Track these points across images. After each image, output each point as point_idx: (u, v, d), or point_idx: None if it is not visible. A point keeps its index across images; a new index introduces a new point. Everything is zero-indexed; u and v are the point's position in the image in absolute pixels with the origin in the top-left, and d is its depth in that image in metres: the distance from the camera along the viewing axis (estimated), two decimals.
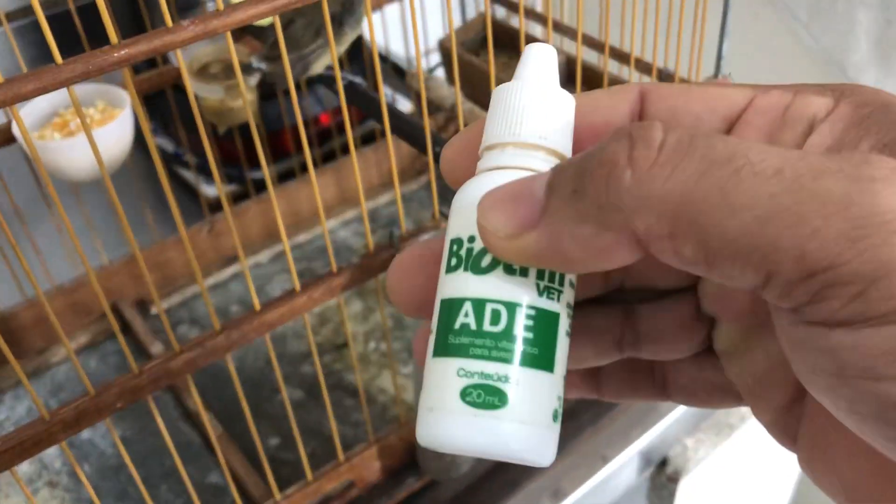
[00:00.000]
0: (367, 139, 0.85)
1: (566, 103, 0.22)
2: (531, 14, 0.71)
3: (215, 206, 0.78)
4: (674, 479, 0.63)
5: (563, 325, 0.21)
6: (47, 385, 0.68)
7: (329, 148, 0.82)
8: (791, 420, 0.22)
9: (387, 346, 0.68)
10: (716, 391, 0.24)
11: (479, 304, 0.20)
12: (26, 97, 0.33)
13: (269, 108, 0.73)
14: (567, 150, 0.22)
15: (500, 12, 0.76)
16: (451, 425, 0.20)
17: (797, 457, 0.23)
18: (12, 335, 0.68)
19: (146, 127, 0.37)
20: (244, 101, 0.39)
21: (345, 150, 0.81)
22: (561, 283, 0.21)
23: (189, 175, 0.80)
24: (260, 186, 0.79)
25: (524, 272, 0.20)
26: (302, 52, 0.58)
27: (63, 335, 0.37)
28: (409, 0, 0.42)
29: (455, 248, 0.21)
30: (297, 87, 0.73)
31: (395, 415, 0.63)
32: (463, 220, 0.21)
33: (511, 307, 0.20)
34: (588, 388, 0.25)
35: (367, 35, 0.83)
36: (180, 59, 0.36)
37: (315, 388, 0.66)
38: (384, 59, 0.87)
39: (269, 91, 0.69)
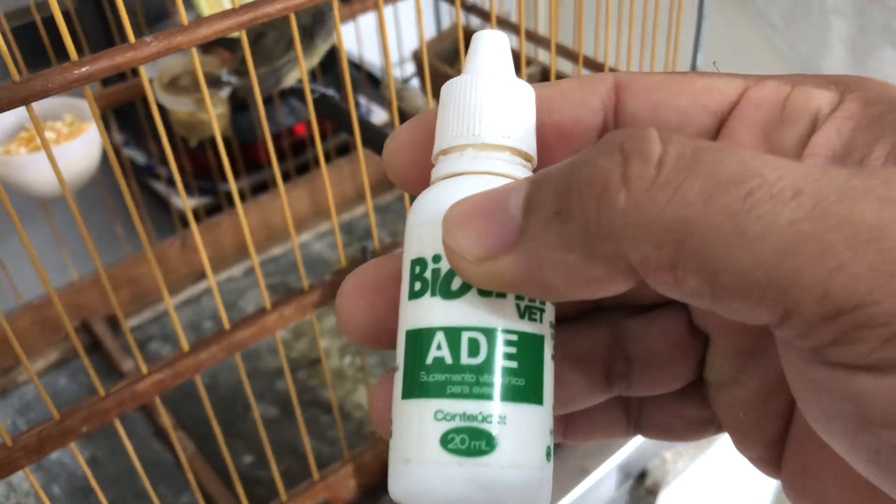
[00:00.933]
0: (342, 150, 0.84)
1: (527, 95, 0.20)
2: (505, 24, 0.70)
3: (187, 218, 0.77)
4: (653, 492, 0.63)
5: (548, 348, 0.19)
6: (15, 404, 0.67)
7: (304, 159, 0.81)
8: (778, 449, 0.21)
9: (361, 361, 0.67)
10: (695, 425, 0.22)
11: (453, 334, 0.18)
12: None
13: (242, 120, 0.72)
14: (532, 149, 0.19)
15: (476, 22, 0.75)
16: (432, 478, 0.17)
17: (782, 484, 0.21)
18: None
19: (108, 143, 0.36)
20: (210, 115, 0.38)
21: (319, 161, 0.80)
22: (542, 301, 0.19)
23: (161, 187, 0.79)
24: (232, 200, 0.78)
25: (501, 293, 0.18)
26: (274, 65, 0.57)
27: (24, 358, 0.36)
28: (380, 10, 0.42)
29: (418, 270, 0.18)
30: (270, 98, 0.72)
31: (371, 431, 0.62)
32: (424, 237, 0.19)
33: (490, 334, 0.18)
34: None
35: (344, 45, 0.82)
36: (143, 76, 0.35)
37: (290, 405, 0.65)
38: (359, 68, 0.86)
39: (240, 103, 0.68)
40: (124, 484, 0.60)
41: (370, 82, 0.87)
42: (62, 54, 0.33)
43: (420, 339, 0.18)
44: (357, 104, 0.82)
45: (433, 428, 0.17)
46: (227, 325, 0.43)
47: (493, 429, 0.17)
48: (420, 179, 0.20)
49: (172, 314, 0.41)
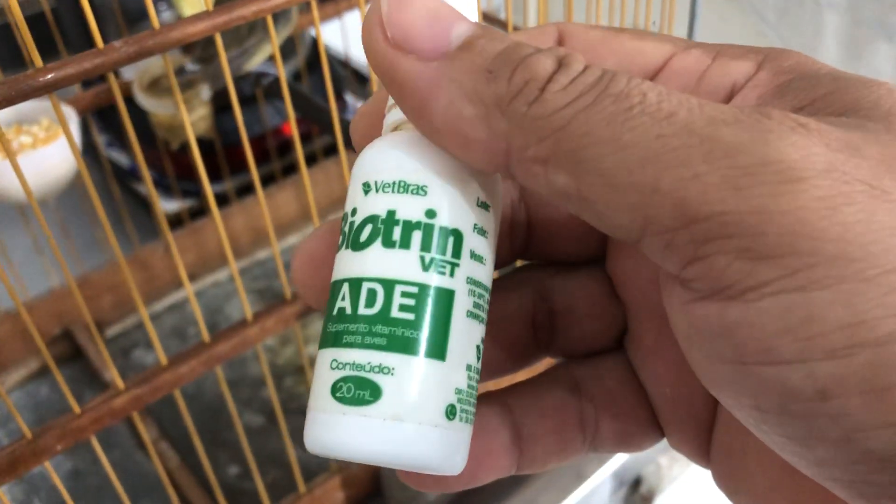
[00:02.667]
0: (329, 150, 0.82)
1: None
2: (494, 20, 0.69)
3: (173, 221, 0.75)
4: (648, 499, 0.61)
5: (462, 304, 0.18)
6: None
7: (290, 160, 0.80)
8: (705, 433, 0.21)
9: None
10: (647, 428, 0.22)
11: (354, 285, 0.18)
12: None
13: (225, 121, 0.71)
14: None
15: None
16: (322, 426, 0.17)
17: (712, 474, 0.21)
18: None
19: (77, 151, 0.34)
20: (185, 121, 0.37)
21: (308, 160, 0.78)
22: (457, 255, 0.18)
23: (145, 190, 0.78)
24: (220, 201, 0.77)
25: (405, 243, 0.18)
26: (231, 54, 0.55)
27: None
28: (362, 7, 0.40)
29: (343, 225, 0.19)
30: (254, 98, 0.71)
31: None
32: (350, 192, 0.19)
33: (388, 284, 0.18)
34: (507, 459, 0.21)
35: (330, 43, 0.81)
36: (113, 83, 0.34)
37: (276, 414, 0.64)
38: (346, 66, 0.85)
39: (224, 103, 0.66)
40: (107, 496, 0.59)
41: (357, 80, 0.86)
42: (43, 55, 0.31)
43: (333, 291, 0.18)
44: (344, 102, 0.81)
45: (328, 376, 0.18)
46: (206, 338, 0.42)
47: (380, 379, 0.17)
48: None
49: (149, 327, 0.40)
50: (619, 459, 0.60)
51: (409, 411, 0.17)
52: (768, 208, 0.14)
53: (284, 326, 0.43)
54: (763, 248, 0.14)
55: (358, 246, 0.18)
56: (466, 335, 0.18)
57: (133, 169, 0.79)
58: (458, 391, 0.18)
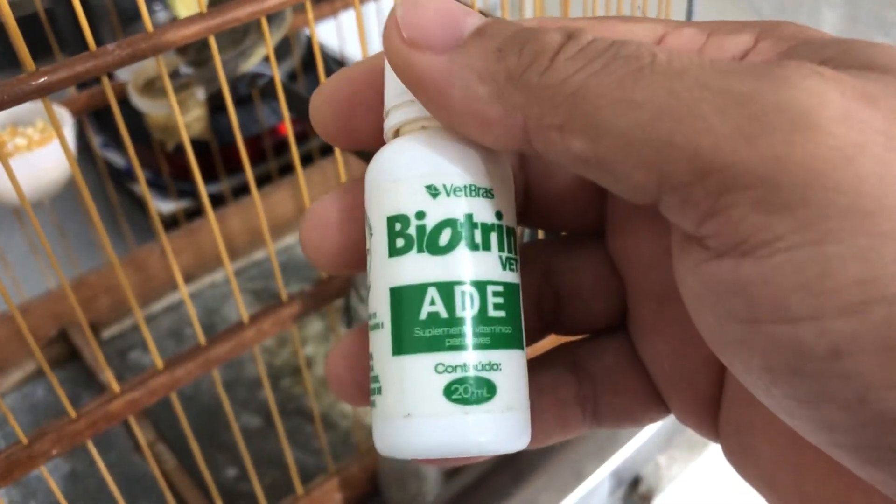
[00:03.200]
0: (325, 150, 0.82)
1: None
2: None
3: (169, 222, 0.75)
4: (646, 499, 0.61)
5: (522, 294, 0.20)
6: None
7: (287, 160, 0.80)
8: (713, 409, 0.21)
9: None
10: (648, 403, 0.22)
11: (447, 289, 0.18)
12: None
13: (221, 121, 0.70)
14: None
15: None
16: (437, 429, 0.18)
17: (721, 448, 0.21)
18: None
19: (69, 154, 0.34)
20: (179, 122, 0.36)
21: (304, 160, 0.78)
22: (516, 252, 0.20)
23: (141, 191, 0.78)
24: (216, 201, 0.76)
25: (486, 245, 0.19)
26: (227, 56, 0.55)
27: None
28: (357, 7, 0.40)
29: (399, 227, 0.19)
30: (250, 99, 0.71)
31: (358, 441, 0.60)
32: (402, 193, 0.19)
33: (481, 287, 0.18)
34: None
35: (326, 42, 0.80)
36: (106, 85, 0.34)
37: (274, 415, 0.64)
38: (341, 64, 0.84)
39: (219, 104, 0.66)
40: (106, 499, 0.59)
41: None
42: (38, 56, 0.31)
43: (410, 296, 0.19)
44: None
45: (436, 381, 0.18)
46: (202, 341, 0.42)
47: (493, 376, 0.18)
48: (347, 132, 0.21)
49: (144, 331, 0.40)
50: (619, 458, 0.60)
51: (517, 400, 0.19)
52: (782, 157, 0.14)
53: (281, 328, 0.43)
54: (777, 200, 0.14)
55: (438, 250, 0.18)
56: (524, 320, 0.20)
57: (130, 170, 0.79)
58: (526, 371, 0.20)
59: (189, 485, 0.56)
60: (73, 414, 0.39)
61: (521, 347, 0.19)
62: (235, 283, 0.41)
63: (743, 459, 0.20)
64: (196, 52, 0.55)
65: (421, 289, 0.18)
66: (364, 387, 0.21)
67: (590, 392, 0.22)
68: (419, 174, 0.19)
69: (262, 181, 0.77)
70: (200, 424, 0.62)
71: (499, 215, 0.19)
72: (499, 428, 0.18)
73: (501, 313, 0.19)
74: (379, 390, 0.19)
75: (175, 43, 0.34)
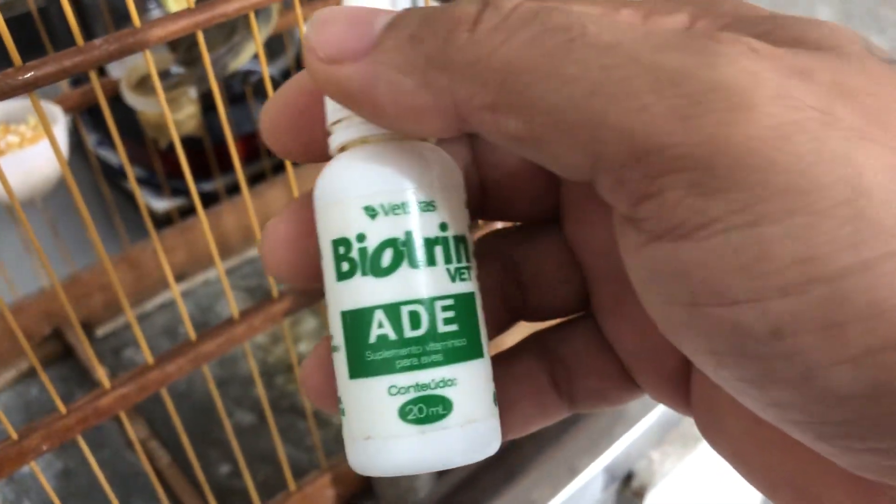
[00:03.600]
0: None
1: None
2: None
3: (163, 220, 0.75)
4: (639, 494, 0.61)
5: (479, 300, 0.19)
6: None
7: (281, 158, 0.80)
8: (682, 383, 0.21)
9: None
10: (620, 383, 0.22)
11: (392, 310, 0.18)
12: None
13: (215, 119, 0.70)
14: None
15: None
16: (396, 450, 0.18)
17: (694, 422, 0.21)
18: None
19: (59, 151, 0.34)
20: (168, 119, 0.36)
21: None
22: (468, 259, 0.19)
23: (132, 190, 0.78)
24: (210, 199, 0.76)
25: (431, 261, 0.18)
26: (216, 53, 0.55)
27: None
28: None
29: (342, 250, 0.19)
30: (243, 97, 0.71)
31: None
32: (339, 217, 0.19)
33: (429, 304, 0.18)
34: None
35: None
36: (94, 80, 0.34)
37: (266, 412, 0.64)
38: None
39: (213, 102, 0.66)
40: (98, 496, 0.59)
41: None
42: (32, 54, 0.31)
43: (359, 319, 0.18)
44: None
45: (389, 403, 0.18)
46: (192, 336, 0.42)
47: (447, 392, 0.18)
48: (302, 146, 0.20)
49: (135, 327, 0.40)
50: (612, 454, 0.60)
51: (478, 411, 0.19)
52: (717, 139, 0.14)
53: (272, 324, 0.43)
54: (712, 182, 0.14)
55: (381, 272, 0.18)
56: (484, 326, 0.19)
57: (123, 167, 0.79)
58: (491, 379, 0.20)
59: (182, 482, 0.57)
60: (63, 409, 0.39)
61: (480, 355, 0.19)
62: (226, 280, 0.41)
63: (713, 433, 0.20)
64: (186, 51, 0.56)
65: (368, 312, 0.18)
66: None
67: (563, 377, 0.22)
68: (357, 195, 0.18)
69: (257, 179, 0.77)
70: (194, 421, 0.62)
71: (443, 227, 0.19)
72: (458, 442, 0.18)
73: (453, 327, 0.18)
74: (343, 411, 0.19)
75: (163, 38, 0.34)
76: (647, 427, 0.62)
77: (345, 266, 0.19)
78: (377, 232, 0.18)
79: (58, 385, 0.67)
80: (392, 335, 0.18)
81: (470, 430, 0.18)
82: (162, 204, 0.75)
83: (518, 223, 0.24)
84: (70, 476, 0.60)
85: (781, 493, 0.19)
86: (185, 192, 0.76)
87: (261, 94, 0.66)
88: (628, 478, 0.62)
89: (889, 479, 0.15)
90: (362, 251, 0.18)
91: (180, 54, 0.56)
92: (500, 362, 0.22)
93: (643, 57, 0.14)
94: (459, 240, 0.19)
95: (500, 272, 0.22)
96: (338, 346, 0.19)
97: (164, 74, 0.56)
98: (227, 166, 0.75)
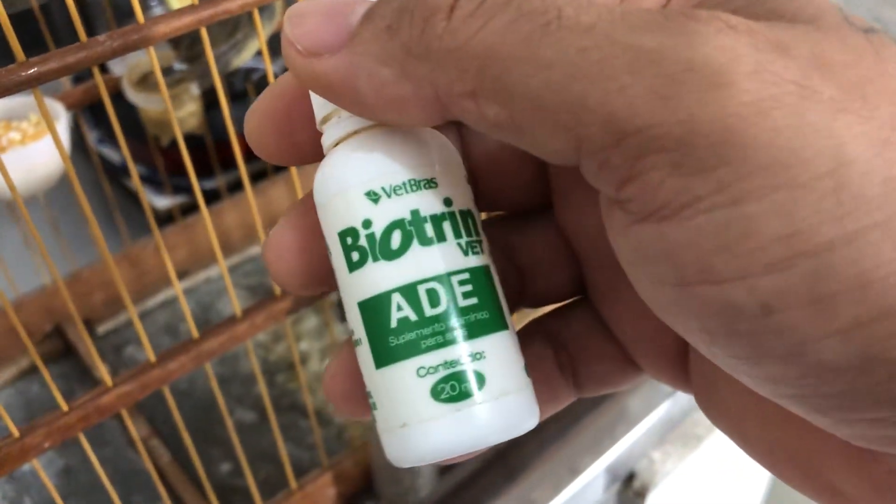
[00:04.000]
0: None
1: None
2: None
3: (165, 218, 0.75)
4: (641, 494, 0.61)
5: (495, 273, 0.19)
6: None
7: None
8: (680, 362, 0.21)
9: None
10: (623, 365, 0.22)
11: (409, 291, 0.18)
12: None
13: (217, 116, 0.70)
14: None
15: None
16: (435, 433, 0.18)
17: (695, 400, 0.21)
18: None
19: (61, 146, 0.34)
20: (171, 117, 0.36)
21: None
22: (478, 233, 0.19)
23: (134, 187, 0.77)
24: (212, 196, 0.76)
25: (441, 237, 0.18)
26: (219, 49, 0.55)
27: None
28: None
29: (350, 240, 0.18)
30: (245, 94, 0.71)
31: (352, 437, 0.60)
32: (343, 208, 0.19)
33: (444, 280, 0.18)
34: None
35: None
36: (98, 77, 0.34)
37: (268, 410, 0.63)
38: None
39: (214, 99, 0.66)
40: (99, 494, 0.59)
41: None
42: (33, 52, 0.31)
43: (377, 306, 0.18)
44: None
45: (420, 385, 0.18)
46: (195, 334, 0.41)
47: (478, 366, 0.18)
48: (288, 148, 0.20)
49: (137, 325, 0.40)
50: (613, 454, 0.60)
51: (511, 383, 0.18)
52: (696, 117, 0.14)
53: (274, 322, 0.43)
54: (694, 162, 0.14)
55: (392, 254, 0.18)
56: (504, 298, 0.19)
57: (125, 165, 0.79)
58: (519, 350, 0.19)
59: (183, 480, 0.56)
60: (65, 407, 0.38)
61: (506, 327, 0.19)
62: (228, 278, 0.41)
63: (713, 410, 0.21)
64: (188, 48, 0.55)
65: (386, 297, 0.18)
66: (363, 398, 0.20)
67: (567, 361, 0.22)
68: (357, 183, 0.18)
69: (259, 176, 0.76)
70: (195, 420, 0.62)
71: (447, 202, 0.19)
72: (497, 416, 0.18)
73: (473, 300, 0.18)
74: (374, 405, 0.19)
75: (166, 34, 0.34)
76: (648, 427, 0.61)
77: (355, 256, 0.18)
78: (382, 215, 0.18)
79: (58, 382, 0.67)
80: (413, 316, 0.18)
81: (508, 402, 0.18)
82: (163, 202, 0.75)
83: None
84: (71, 474, 0.60)
85: (782, 466, 0.19)
86: (186, 189, 0.76)
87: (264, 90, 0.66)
88: (630, 478, 0.62)
89: (886, 447, 0.15)
90: (370, 237, 0.18)
91: (182, 51, 0.56)
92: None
93: (620, 38, 0.14)
94: (466, 214, 0.19)
95: (500, 256, 0.22)
96: (360, 339, 0.19)
97: (167, 71, 0.56)
98: (228, 164, 0.75)
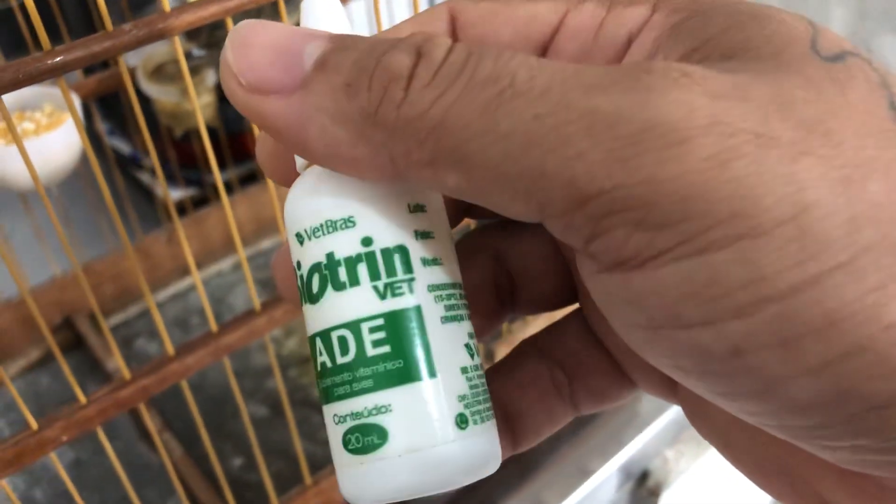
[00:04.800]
0: None
1: None
2: None
3: (176, 210, 0.74)
4: (655, 493, 0.61)
5: (433, 313, 0.18)
6: None
7: None
8: (669, 378, 0.21)
9: None
10: (618, 379, 0.22)
11: (325, 337, 0.18)
12: None
13: (229, 109, 0.70)
14: None
15: None
16: (350, 481, 0.18)
17: (682, 411, 0.21)
18: None
19: (83, 134, 0.34)
20: (193, 99, 0.36)
21: None
22: (408, 270, 0.18)
23: (147, 179, 0.77)
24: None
25: (354, 280, 0.17)
26: None
27: None
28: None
29: (297, 280, 0.18)
30: None
31: None
32: (290, 245, 0.18)
33: (354, 327, 0.17)
34: (503, 442, 0.21)
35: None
36: (123, 66, 0.33)
37: (281, 404, 0.63)
38: None
39: None
40: (110, 487, 0.59)
41: None
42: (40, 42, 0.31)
43: (311, 347, 0.18)
44: None
45: (336, 432, 0.18)
46: (214, 328, 0.41)
47: (380, 420, 0.17)
48: (286, 170, 0.20)
49: (156, 317, 0.39)
50: (627, 453, 0.59)
51: (421, 439, 0.17)
52: (656, 177, 0.14)
53: (292, 316, 0.43)
54: (657, 218, 0.14)
55: (314, 298, 0.18)
56: (450, 341, 0.18)
57: (135, 157, 0.78)
58: (462, 397, 0.18)
59: (196, 473, 0.56)
60: (83, 400, 0.38)
61: (430, 375, 0.17)
62: (248, 271, 0.41)
63: (701, 422, 0.21)
64: (208, 35, 0.55)
65: (311, 341, 0.18)
66: None
67: (562, 379, 0.22)
68: (292, 224, 0.18)
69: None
70: (206, 413, 0.62)
71: (366, 241, 0.17)
72: (402, 474, 0.17)
73: (384, 349, 0.17)
74: None
75: (192, 24, 0.33)
76: (662, 426, 0.61)
77: (298, 294, 0.19)
78: (305, 259, 0.18)
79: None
80: (328, 363, 0.17)
81: (415, 460, 0.17)
82: (174, 194, 0.75)
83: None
84: (81, 467, 0.59)
85: (772, 480, 0.19)
86: (197, 182, 0.75)
87: None
88: (643, 477, 0.62)
89: (871, 470, 0.15)
90: (301, 279, 0.18)
91: (202, 38, 0.55)
92: (502, 371, 0.22)
93: (575, 101, 0.14)
94: (396, 251, 0.18)
95: (493, 263, 0.22)
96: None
97: (186, 57, 0.55)
98: (240, 157, 0.75)
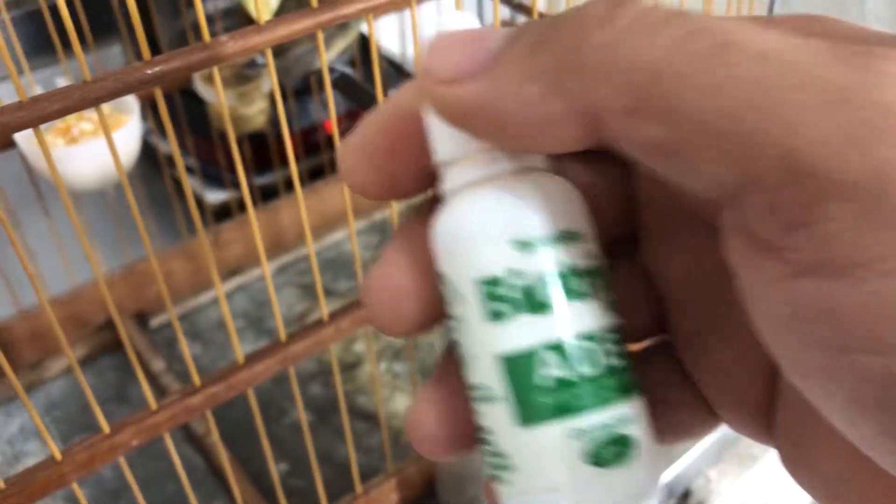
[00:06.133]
0: None
1: None
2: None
3: (221, 212, 0.75)
4: None
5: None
6: (41, 401, 0.65)
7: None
8: (765, 417, 0.20)
9: (410, 365, 0.66)
10: (703, 415, 0.21)
11: (557, 348, 0.17)
12: (51, 118, 0.30)
13: (277, 114, 0.70)
14: None
15: (522, 20, 0.73)
16: (592, 498, 0.17)
17: (778, 455, 0.20)
18: (5, 349, 0.65)
19: (173, 137, 0.34)
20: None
21: None
22: (610, 289, 0.18)
23: (194, 182, 0.77)
24: (266, 194, 0.76)
25: (589, 292, 0.17)
26: (303, 49, 0.55)
27: (69, 351, 0.34)
28: (413, 8, 0.40)
29: (492, 289, 0.17)
30: (308, 89, 0.70)
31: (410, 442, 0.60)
32: (488, 255, 0.17)
33: (600, 337, 0.17)
34: None
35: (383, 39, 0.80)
36: (216, 76, 0.33)
37: (324, 411, 0.63)
38: (392, 63, 0.84)
39: (283, 95, 0.66)
40: (153, 489, 0.59)
41: (400, 75, 0.85)
42: (68, 44, 0.31)
43: (524, 362, 0.17)
44: None
45: (572, 448, 0.17)
46: (283, 337, 0.41)
47: (632, 429, 0.17)
48: (386, 184, 0.19)
49: (229, 322, 0.39)
50: (669, 472, 0.59)
51: (656, 446, 0.18)
52: (892, 168, 0.12)
53: (358, 326, 0.43)
54: (880, 216, 0.12)
55: (541, 308, 0.17)
56: None
57: (184, 159, 0.78)
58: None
59: (241, 476, 0.56)
60: (153, 406, 0.38)
61: (641, 391, 0.18)
62: (319, 279, 0.41)
63: (801, 470, 0.19)
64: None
65: (532, 353, 0.17)
66: (459, 439, 0.19)
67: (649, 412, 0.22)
68: (503, 229, 0.17)
69: (313, 175, 0.76)
70: (249, 419, 0.62)
71: (595, 256, 0.18)
72: (648, 481, 0.17)
73: (620, 361, 0.17)
74: (507, 466, 0.18)
75: (285, 38, 0.34)
76: (705, 445, 0.61)
77: (497, 306, 0.17)
78: (531, 266, 0.17)
79: (111, 375, 0.67)
80: (566, 373, 0.17)
81: (656, 466, 0.17)
82: (219, 196, 0.75)
83: None
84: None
85: None
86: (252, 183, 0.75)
87: (341, 89, 0.66)
88: (685, 495, 0.62)
89: None
90: (516, 288, 0.17)
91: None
92: None
93: (802, 69, 0.13)
94: (607, 270, 0.18)
95: None
96: (493, 396, 0.18)
97: (250, 64, 0.55)
98: (287, 161, 0.75)
